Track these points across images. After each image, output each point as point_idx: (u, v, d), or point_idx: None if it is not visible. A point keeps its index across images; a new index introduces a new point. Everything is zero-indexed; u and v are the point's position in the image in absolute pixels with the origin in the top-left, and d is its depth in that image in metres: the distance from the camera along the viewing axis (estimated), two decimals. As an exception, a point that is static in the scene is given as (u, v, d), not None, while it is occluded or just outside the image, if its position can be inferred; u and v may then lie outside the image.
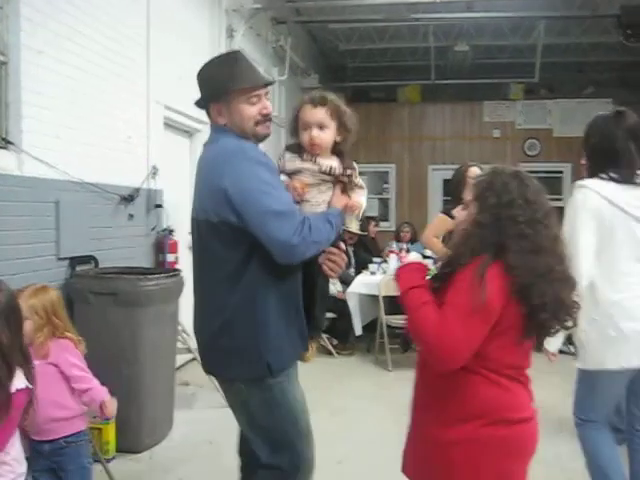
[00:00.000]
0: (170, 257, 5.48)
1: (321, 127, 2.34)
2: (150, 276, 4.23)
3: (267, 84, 2.43)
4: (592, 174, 2.91)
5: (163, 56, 5.52)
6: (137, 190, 5.15)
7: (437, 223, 4.97)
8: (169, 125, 5.92)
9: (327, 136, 2.35)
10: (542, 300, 1.92)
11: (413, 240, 8.45)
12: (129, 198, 5.04)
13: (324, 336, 6.28)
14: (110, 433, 3.97)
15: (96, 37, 4.61)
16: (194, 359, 5.60)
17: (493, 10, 8.76)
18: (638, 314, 2.78)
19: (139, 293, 4.03)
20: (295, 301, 2.39)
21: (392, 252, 7.37)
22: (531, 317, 1.94)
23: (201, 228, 2.35)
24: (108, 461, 3.84)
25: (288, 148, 2.45)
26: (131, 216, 5.12)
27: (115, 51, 4.88)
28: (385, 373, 6.24)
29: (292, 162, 2.39)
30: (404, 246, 7.85)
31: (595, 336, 2.80)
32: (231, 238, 2.26)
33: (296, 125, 2.42)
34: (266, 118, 2.40)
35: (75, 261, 4.34)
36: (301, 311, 2.41)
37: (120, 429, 4.01)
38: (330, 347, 6.81)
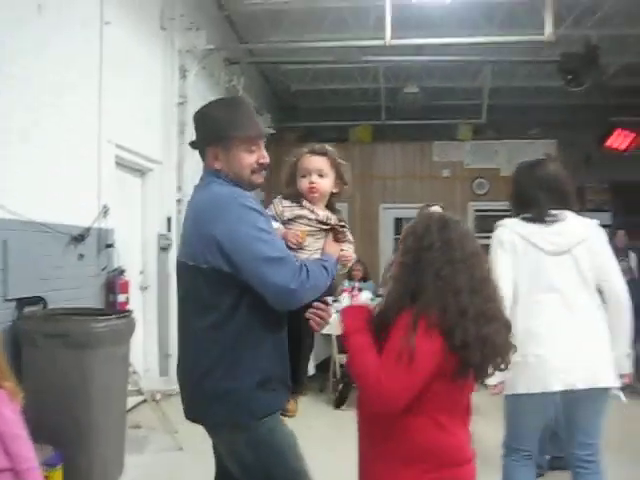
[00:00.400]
0: (121, 297, 5.40)
1: (321, 175, 2.43)
2: (101, 317, 4.16)
3: (266, 134, 2.49)
4: (512, 215, 3.20)
5: (115, 95, 5.50)
6: (88, 230, 5.08)
7: None
8: (120, 164, 5.88)
9: (326, 184, 2.45)
10: (465, 340, 1.94)
11: (365, 278, 8.48)
12: (79, 238, 4.97)
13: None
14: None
15: (49, 76, 4.58)
16: (145, 401, 5.50)
17: (442, 54, 8.99)
18: (543, 340, 2.93)
19: (90, 334, 3.95)
20: (281, 350, 2.39)
21: (345, 291, 7.39)
22: (459, 357, 1.96)
23: (188, 272, 2.32)
24: (55, 509, 3.71)
25: (285, 197, 2.49)
26: (81, 256, 5.03)
27: (67, 89, 4.84)
28: (339, 412, 6.21)
29: (290, 209, 2.44)
30: (356, 284, 7.88)
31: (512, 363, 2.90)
32: (219, 285, 2.24)
33: (292, 174, 2.50)
34: (262, 167, 2.42)
35: (23, 302, 4.23)
36: (286, 361, 2.41)
37: (68, 475, 3.87)
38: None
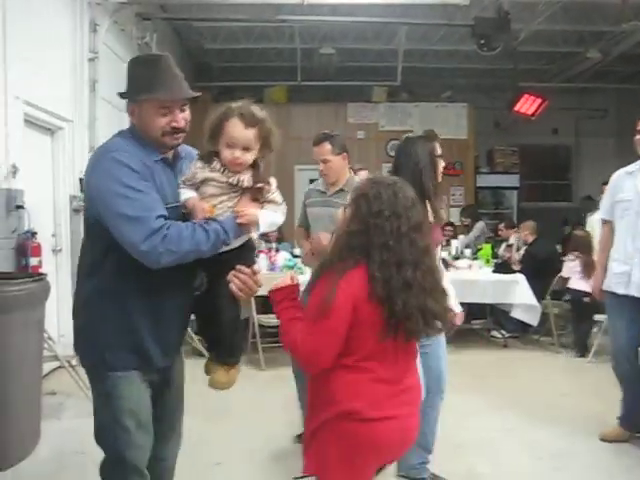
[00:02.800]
0: (33, 261, 5.21)
1: (247, 149, 2.31)
2: (13, 281, 4.00)
3: (185, 98, 2.41)
4: None
5: (21, 49, 5.22)
6: (-5, 190, 4.86)
7: None
8: (29, 122, 5.61)
9: (249, 157, 2.32)
10: (405, 311, 2.04)
11: (280, 240, 8.49)
12: (-13, 199, 4.75)
13: (195, 338, 6.17)
14: (-29, 449, 3.72)
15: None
16: (59, 367, 5.36)
17: (357, 14, 8.97)
18: None
19: (2, 299, 3.80)
20: (155, 309, 2.39)
21: (261, 252, 7.38)
22: (393, 323, 2.05)
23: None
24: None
25: (201, 157, 2.42)
26: (-11, 218, 4.82)
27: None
28: (259, 372, 6.25)
29: (202, 171, 2.36)
30: (273, 245, 7.89)
31: None
32: (94, 230, 2.36)
33: (215, 132, 2.35)
34: (175, 131, 2.38)
35: None
36: (165, 323, 2.42)
37: (-17, 444, 3.77)
38: (202, 348, 6.72)
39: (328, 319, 2.03)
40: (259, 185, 2.35)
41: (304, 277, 6.73)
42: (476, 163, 12.35)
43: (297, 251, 7.76)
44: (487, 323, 7.98)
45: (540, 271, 7.40)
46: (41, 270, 5.09)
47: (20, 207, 5.17)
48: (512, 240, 8.81)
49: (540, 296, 7.17)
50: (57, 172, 6.26)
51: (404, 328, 2.06)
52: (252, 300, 6.28)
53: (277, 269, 6.70)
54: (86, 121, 6.66)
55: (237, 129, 2.30)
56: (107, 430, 2.49)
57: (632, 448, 4.27)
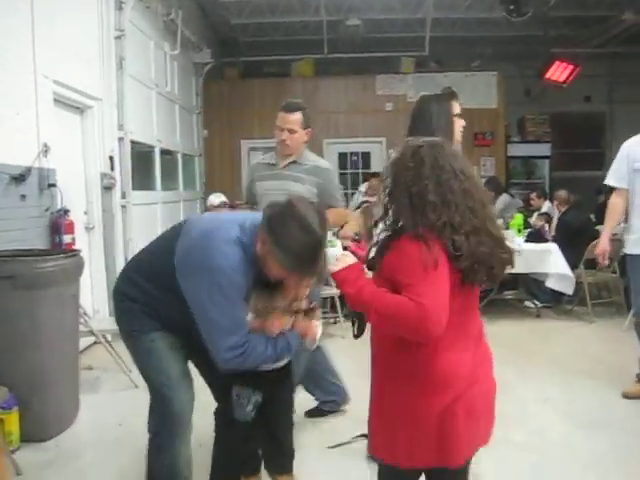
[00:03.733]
0: (67, 238, 5.27)
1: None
2: (48, 257, 4.07)
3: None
4: None
5: (49, 29, 5.25)
6: (29, 169, 4.91)
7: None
8: (59, 101, 5.65)
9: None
10: (479, 260, 1.98)
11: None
12: (20, 178, 4.80)
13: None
14: (13, 422, 3.80)
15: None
16: (95, 343, 5.45)
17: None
18: None
19: (38, 275, 3.86)
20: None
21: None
22: (464, 275, 1.99)
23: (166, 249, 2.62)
24: (13, 452, 3.68)
25: (257, 292, 2.61)
26: (23, 197, 4.88)
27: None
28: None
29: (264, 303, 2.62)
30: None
31: None
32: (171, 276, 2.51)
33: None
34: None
35: (-35, 245, 4.11)
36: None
37: (24, 417, 3.85)
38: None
39: (434, 270, 1.90)
40: (313, 305, 2.71)
41: (334, 250, 6.78)
42: (507, 132, 12.18)
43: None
44: (519, 293, 7.91)
45: (573, 240, 7.29)
46: (74, 247, 5.15)
47: (52, 185, 5.24)
48: (545, 209, 8.69)
49: (574, 265, 7.09)
50: (87, 150, 6.31)
51: (475, 279, 2.01)
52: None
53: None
54: (114, 99, 6.69)
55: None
56: (151, 384, 2.73)
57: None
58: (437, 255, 1.92)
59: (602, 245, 4.73)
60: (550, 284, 7.04)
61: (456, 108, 3.46)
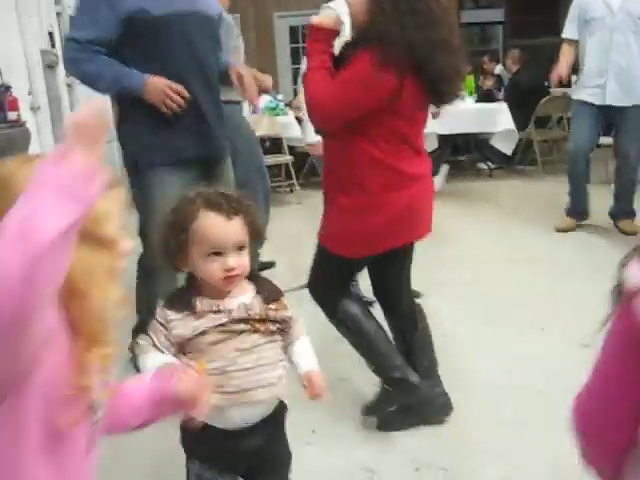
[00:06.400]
0: (12, 115, 5.08)
1: (241, 248, 1.50)
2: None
3: None
4: None
5: None
6: (-38, 43, 4.75)
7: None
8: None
9: (247, 260, 1.52)
10: (441, 71, 2.07)
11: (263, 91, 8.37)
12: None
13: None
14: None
15: None
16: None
17: None
18: None
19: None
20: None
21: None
22: (430, 87, 2.10)
23: None
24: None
25: (168, 303, 1.55)
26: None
27: None
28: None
29: (185, 324, 1.50)
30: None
31: None
32: None
33: (178, 243, 1.51)
34: None
35: None
36: (202, 115, 2.76)
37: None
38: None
39: (361, 84, 2.08)
40: (273, 307, 1.57)
41: (287, 118, 6.77)
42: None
43: (280, 96, 7.72)
44: (473, 156, 8.03)
45: (524, 99, 7.35)
46: (20, 123, 5.05)
47: (-10, 60, 5.07)
48: (497, 71, 8.69)
49: (524, 125, 7.18)
50: (23, 26, 6.07)
51: (437, 90, 2.12)
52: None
53: (259, 111, 6.66)
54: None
55: (216, 227, 1.49)
56: (145, 226, 2.72)
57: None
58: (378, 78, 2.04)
59: (559, 69, 4.97)
60: (494, 142, 7.13)
61: None
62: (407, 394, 2.45)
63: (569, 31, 4.94)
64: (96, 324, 0.97)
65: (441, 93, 2.16)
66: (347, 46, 2.21)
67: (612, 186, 5.16)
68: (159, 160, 2.71)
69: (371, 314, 2.52)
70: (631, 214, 5.02)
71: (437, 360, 2.57)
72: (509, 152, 7.15)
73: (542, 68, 9.49)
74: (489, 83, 7.82)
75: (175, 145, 2.71)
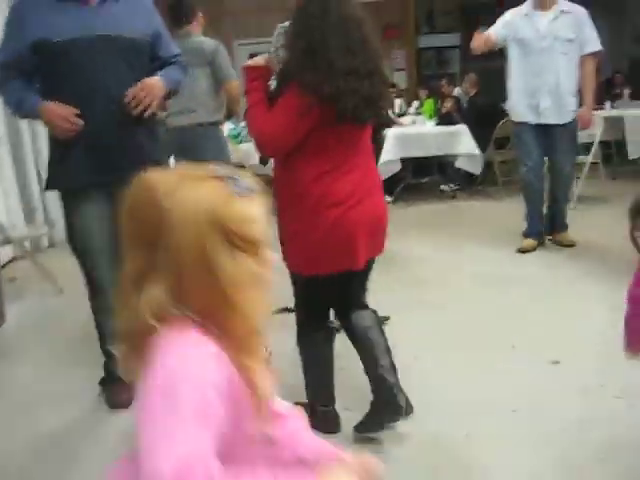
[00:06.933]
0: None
1: None
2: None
3: None
4: None
5: None
6: None
7: None
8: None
9: None
10: (333, 93, 2.15)
11: (229, 116, 8.38)
12: None
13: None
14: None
15: None
16: (14, 259, 5.43)
17: None
18: None
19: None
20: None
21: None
22: (347, 113, 2.20)
23: None
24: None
25: None
26: None
27: None
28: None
29: None
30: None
31: None
32: None
33: None
34: None
35: None
36: (98, 139, 2.70)
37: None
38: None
39: (299, 114, 2.19)
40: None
41: (249, 145, 6.77)
42: (416, 24, 12.13)
43: (242, 124, 7.72)
44: (435, 178, 8.11)
45: (483, 121, 7.48)
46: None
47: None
48: (455, 93, 8.83)
49: (484, 146, 7.30)
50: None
51: (337, 110, 2.19)
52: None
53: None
54: None
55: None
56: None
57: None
58: (294, 101, 2.18)
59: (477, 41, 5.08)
60: (459, 164, 7.25)
61: None
62: (330, 423, 2.56)
63: (493, 30, 5.09)
64: (247, 334, 0.98)
65: (360, 118, 2.26)
66: (280, 78, 2.34)
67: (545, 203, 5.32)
68: (62, 185, 2.83)
69: (330, 344, 2.61)
70: (565, 227, 5.26)
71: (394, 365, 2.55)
72: (478, 172, 7.28)
73: (498, 91, 9.75)
74: (448, 105, 7.94)
75: (70, 170, 2.75)
